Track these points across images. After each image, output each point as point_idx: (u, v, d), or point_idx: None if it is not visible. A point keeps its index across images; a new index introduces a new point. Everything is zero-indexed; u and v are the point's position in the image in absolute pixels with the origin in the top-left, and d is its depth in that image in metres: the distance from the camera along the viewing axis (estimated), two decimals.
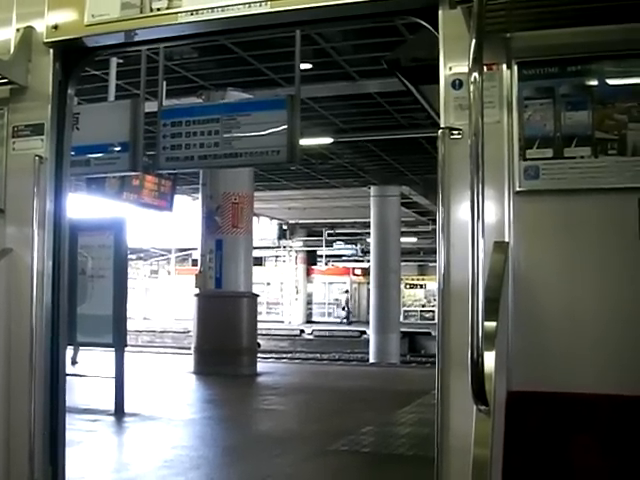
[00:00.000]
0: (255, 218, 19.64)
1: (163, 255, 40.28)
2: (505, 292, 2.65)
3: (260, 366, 13.22)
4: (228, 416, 9.04)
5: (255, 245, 16.19)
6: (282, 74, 11.36)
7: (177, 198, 10.90)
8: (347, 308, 40.17)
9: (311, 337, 32.21)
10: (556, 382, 2.68)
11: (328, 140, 15.78)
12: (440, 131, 2.89)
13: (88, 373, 8.64)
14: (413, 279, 42.35)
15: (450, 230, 2.85)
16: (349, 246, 38.12)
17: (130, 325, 11.20)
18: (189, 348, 14.42)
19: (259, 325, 14.53)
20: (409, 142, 16.06)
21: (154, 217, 20.16)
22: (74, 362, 8.66)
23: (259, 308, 15.36)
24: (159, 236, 32.68)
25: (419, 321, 37.92)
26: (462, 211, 2.80)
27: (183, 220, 23.49)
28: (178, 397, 10.18)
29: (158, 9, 3.30)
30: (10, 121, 3.58)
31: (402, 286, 31.90)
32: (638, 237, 2.66)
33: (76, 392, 8.18)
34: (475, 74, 2.33)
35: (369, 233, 22.98)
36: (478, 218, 2.31)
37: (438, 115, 2.99)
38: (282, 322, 37.66)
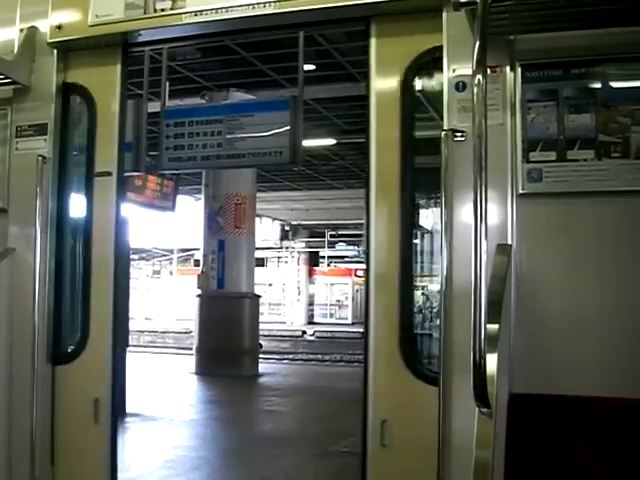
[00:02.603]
0: (257, 219, 19.61)
1: (165, 255, 40.23)
2: (507, 294, 2.65)
3: (262, 367, 13.21)
4: (229, 417, 9.03)
5: (257, 246, 16.17)
6: (285, 75, 11.34)
7: (179, 198, 10.92)
8: None
9: (313, 338, 32.17)
10: (558, 385, 2.68)
11: (331, 141, 15.76)
12: (443, 133, 2.89)
13: None
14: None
15: (453, 232, 2.85)
16: (351, 247, 38.07)
17: (132, 325, 11.20)
18: (191, 349, 14.41)
19: (261, 326, 14.52)
20: None
21: (156, 217, 20.13)
22: None
23: (261, 309, 15.34)
24: (161, 236, 32.63)
25: None
26: (465, 213, 2.79)
27: (185, 220, 23.46)
28: (179, 398, 10.17)
29: (162, 10, 3.31)
30: (13, 121, 3.59)
31: None
32: None
33: None
34: (479, 76, 2.33)
35: None
36: (481, 220, 2.31)
37: (441, 117, 2.99)
38: (284, 323, 37.58)
